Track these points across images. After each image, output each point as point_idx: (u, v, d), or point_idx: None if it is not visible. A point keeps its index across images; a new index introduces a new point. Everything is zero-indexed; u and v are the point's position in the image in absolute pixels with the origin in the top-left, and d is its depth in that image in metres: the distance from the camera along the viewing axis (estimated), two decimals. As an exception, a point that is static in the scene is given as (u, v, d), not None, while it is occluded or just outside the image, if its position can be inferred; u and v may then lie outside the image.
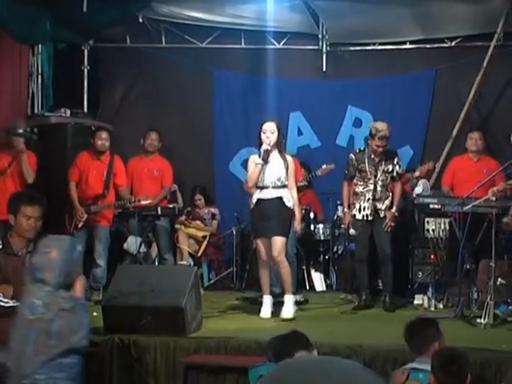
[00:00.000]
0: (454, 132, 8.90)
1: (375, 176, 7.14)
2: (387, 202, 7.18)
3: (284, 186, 6.70)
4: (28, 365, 3.67)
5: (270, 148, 6.65)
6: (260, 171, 6.64)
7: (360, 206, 7.17)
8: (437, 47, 9.42)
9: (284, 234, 6.66)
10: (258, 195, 6.72)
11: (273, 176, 6.67)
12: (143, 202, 7.85)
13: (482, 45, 9.02)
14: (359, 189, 7.21)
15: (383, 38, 9.50)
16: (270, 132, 6.67)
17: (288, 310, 6.57)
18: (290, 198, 6.71)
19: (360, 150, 7.35)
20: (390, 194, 7.22)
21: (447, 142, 8.92)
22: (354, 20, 9.07)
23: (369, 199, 7.14)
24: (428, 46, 9.43)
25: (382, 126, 7.10)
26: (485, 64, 8.75)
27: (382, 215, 7.15)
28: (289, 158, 6.80)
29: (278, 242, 6.59)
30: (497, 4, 8.60)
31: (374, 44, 9.63)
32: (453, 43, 9.37)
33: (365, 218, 7.14)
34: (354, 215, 7.22)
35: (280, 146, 6.76)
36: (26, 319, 3.74)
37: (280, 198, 6.67)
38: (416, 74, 9.56)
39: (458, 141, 8.77)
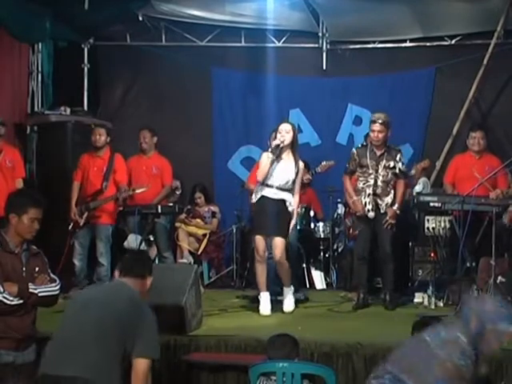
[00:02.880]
0: (455, 130, 8.90)
1: (376, 171, 7.07)
2: (388, 199, 7.09)
3: (289, 190, 6.76)
4: None
5: (281, 145, 6.69)
6: (271, 166, 6.69)
7: (361, 202, 7.14)
8: (437, 45, 9.41)
9: (285, 235, 6.77)
10: (262, 192, 6.78)
11: (281, 177, 6.73)
12: (138, 191, 7.80)
13: (482, 43, 9.02)
14: (360, 184, 7.15)
15: (383, 36, 9.49)
16: (285, 132, 6.75)
17: (289, 304, 6.80)
18: (293, 203, 6.78)
19: (362, 145, 7.34)
20: (392, 192, 7.14)
21: (447, 140, 8.92)
22: (354, 18, 9.07)
23: (369, 194, 7.07)
24: (428, 44, 9.42)
25: (377, 114, 7.14)
26: (485, 62, 8.75)
27: (382, 211, 7.08)
28: (301, 163, 6.83)
29: (280, 243, 6.69)
30: (497, 2, 8.61)
31: (374, 42, 9.62)
32: (453, 41, 9.37)
33: (367, 213, 7.12)
34: (356, 212, 7.19)
35: (293, 148, 6.82)
36: None
37: (283, 201, 6.74)
38: (416, 72, 9.55)
39: (458, 139, 8.77)
